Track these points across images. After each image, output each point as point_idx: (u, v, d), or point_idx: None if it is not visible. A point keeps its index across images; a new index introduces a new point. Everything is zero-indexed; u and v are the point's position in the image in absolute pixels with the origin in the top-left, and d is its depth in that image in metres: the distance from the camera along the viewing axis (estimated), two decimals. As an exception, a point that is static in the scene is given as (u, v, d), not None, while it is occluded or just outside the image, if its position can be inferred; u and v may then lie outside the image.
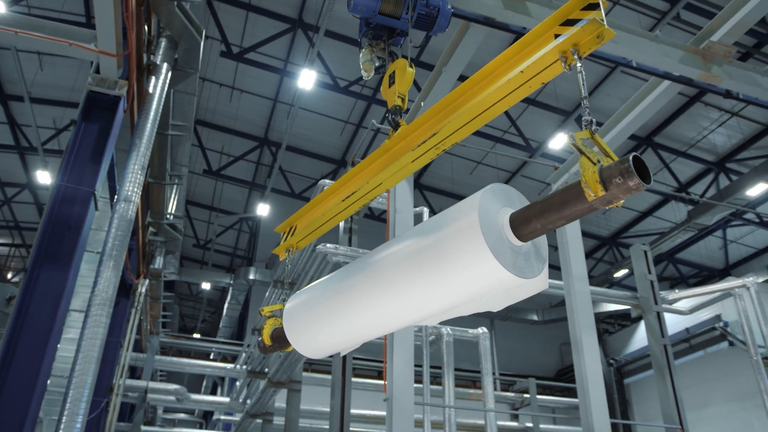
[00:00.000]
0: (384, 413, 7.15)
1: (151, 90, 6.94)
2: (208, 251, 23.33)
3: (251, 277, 19.02)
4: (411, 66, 3.23)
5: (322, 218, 3.20)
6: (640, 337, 18.99)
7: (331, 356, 5.73)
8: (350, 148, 18.18)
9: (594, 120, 1.97)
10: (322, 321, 2.90)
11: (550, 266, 2.44)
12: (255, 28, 14.68)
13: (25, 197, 20.70)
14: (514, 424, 16.85)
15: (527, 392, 16.87)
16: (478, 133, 15.45)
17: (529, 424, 16.08)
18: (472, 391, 16.49)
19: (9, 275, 24.68)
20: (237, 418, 16.54)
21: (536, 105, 15.55)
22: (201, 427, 23.17)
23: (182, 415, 23.63)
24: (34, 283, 5.44)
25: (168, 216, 11.31)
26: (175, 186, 11.24)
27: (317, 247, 7.94)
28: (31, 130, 16.29)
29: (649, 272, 9.90)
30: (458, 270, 2.19)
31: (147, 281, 11.73)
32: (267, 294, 11.32)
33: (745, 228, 18.65)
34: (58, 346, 5.81)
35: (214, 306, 27.53)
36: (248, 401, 14.54)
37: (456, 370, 11.41)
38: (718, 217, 15.15)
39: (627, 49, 5.78)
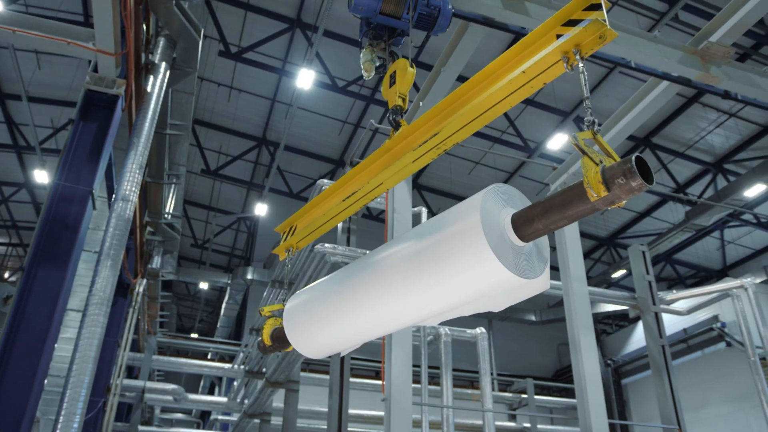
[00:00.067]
0: (382, 413, 7.16)
1: (149, 89, 6.92)
2: (205, 251, 23.28)
3: (249, 276, 18.99)
4: (412, 66, 3.23)
5: (323, 218, 3.20)
6: (637, 338, 19.02)
7: (330, 356, 5.73)
8: (348, 148, 18.17)
9: (596, 120, 1.97)
10: (323, 321, 2.89)
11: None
12: (253, 28, 14.67)
13: (22, 196, 20.65)
14: (512, 424, 16.87)
15: (525, 392, 16.85)
16: (476, 134, 15.34)
17: (527, 425, 16.08)
18: (470, 391, 16.48)
19: (6, 274, 24.61)
20: (234, 418, 16.53)
21: (535, 105, 15.56)
22: (198, 427, 23.08)
23: (180, 415, 23.55)
24: (31, 283, 5.43)
25: (166, 215, 11.30)
26: (173, 185, 11.24)
27: (315, 246, 7.93)
28: (29, 129, 16.25)
29: (647, 273, 9.90)
30: (460, 270, 2.19)
31: (145, 281, 11.71)
32: (265, 294, 11.31)
33: (742, 229, 18.69)
34: (56, 345, 5.79)
35: (211, 306, 27.48)
36: (246, 401, 14.50)
37: (454, 370, 11.40)
38: (715, 217, 15.18)
39: (626, 49, 5.78)
